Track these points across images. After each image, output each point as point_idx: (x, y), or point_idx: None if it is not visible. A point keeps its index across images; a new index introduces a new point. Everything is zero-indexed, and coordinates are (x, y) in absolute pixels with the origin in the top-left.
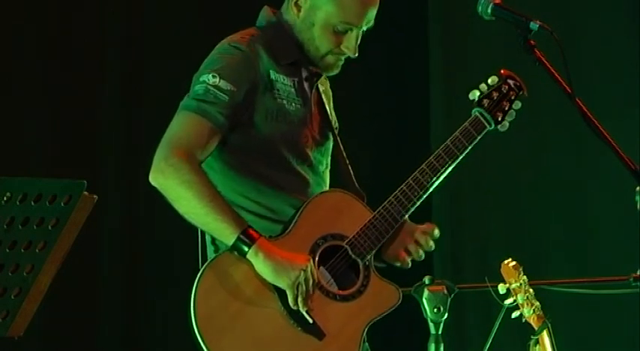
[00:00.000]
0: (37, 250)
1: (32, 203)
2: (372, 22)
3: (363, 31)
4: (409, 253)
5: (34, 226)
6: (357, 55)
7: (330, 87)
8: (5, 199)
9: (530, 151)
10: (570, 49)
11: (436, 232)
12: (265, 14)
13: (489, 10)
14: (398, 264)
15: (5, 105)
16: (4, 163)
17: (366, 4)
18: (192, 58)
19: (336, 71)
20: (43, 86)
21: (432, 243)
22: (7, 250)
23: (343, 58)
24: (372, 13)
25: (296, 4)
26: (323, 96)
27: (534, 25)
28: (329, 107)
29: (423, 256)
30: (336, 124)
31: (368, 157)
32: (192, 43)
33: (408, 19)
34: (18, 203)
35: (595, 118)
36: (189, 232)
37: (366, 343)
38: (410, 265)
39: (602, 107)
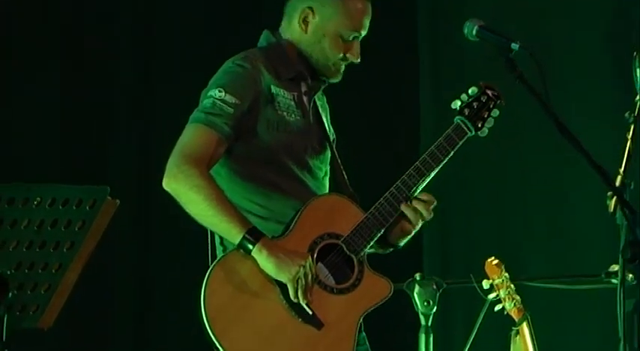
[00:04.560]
0: (64, 250)
1: (60, 207)
2: (367, 29)
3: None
4: (410, 222)
5: (62, 228)
6: (359, 60)
7: (329, 101)
8: (36, 203)
9: (513, 160)
10: (548, 65)
11: (432, 199)
12: (266, 36)
13: (474, 32)
14: (408, 238)
15: (27, 116)
16: (26, 169)
17: (364, 12)
18: (199, 74)
19: (339, 78)
20: (61, 98)
21: (428, 213)
22: (38, 250)
23: (344, 65)
24: (368, 20)
25: (304, 20)
26: (320, 109)
27: (515, 46)
28: (326, 120)
29: (420, 224)
30: (334, 135)
31: (362, 163)
32: (200, 61)
33: (399, 35)
34: (47, 207)
35: (568, 128)
36: (198, 234)
37: (363, 333)
38: (413, 233)
39: (578, 116)
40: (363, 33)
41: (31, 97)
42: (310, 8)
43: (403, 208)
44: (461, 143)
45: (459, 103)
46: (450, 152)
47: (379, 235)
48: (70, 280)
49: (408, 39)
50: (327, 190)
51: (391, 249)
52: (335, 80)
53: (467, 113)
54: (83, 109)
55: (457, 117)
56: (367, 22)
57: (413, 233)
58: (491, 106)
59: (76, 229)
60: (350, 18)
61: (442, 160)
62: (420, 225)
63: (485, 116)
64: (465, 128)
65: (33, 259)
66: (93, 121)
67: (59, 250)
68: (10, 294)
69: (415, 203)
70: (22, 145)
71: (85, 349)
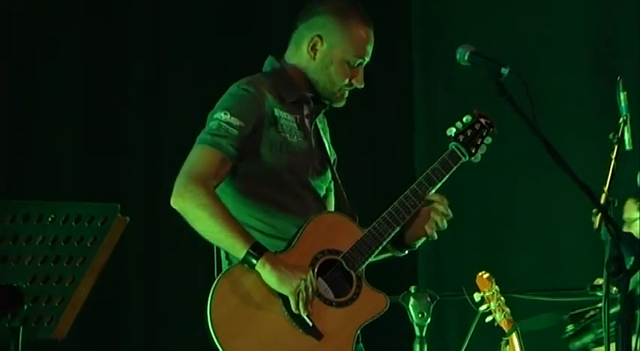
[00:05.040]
0: (77, 265)
1: (73, 224)
2: (370, 56)
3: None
4: (436, 224)
5: (75, 244)
6: (363, 85)
7: (329, 124)
8: (50, 219)
9: (503, 179)
10: (536, 88)
11: (445, 201)
12: (270, 61)
13: (466, 58)
14: (423, 240)
15: (42, 137)
16: (39, 185)
17: (368, 40)
18: (208, 95)
19: (343, 103)
20: (75, 119)
21: (449, 211)
22: (52, 264)
23: (348, 91)
24: (371, 48)
25: (313, 48)
26: (321, 131)
27: (505, 70)
28: (327, 141)
29: (446, 226)
30: (334, 155)
31: (362, 183)
32: (210, 80)
33: (394, 63)
34: (61, 224)
35: (555, 148)
36: (204, 249)
37: (360, 344)
38: (436, 237)
39: (564, 137)
40: (367, 59)
41: (45, 117)
42: (319, 36)
43: (434, 215)
44: (455, 168)
45: (454, 130)
46: (444, 176)
47: (377, 252)
48: (82, 293)
49: (402, 66)
50: (329, 208)
51: (407, 251)
52: (339, 105)
53: (461, 140)
54: (96, 131)
55: (452, 143)
56: (370, 50)
57: (435, 235)
58: (484, 133)
59: (88, 244)
60: (355, 45)
61: (437, 183)
62: (445, 226)
63: (479, 143)
64: (460, 154)
65: (47, 273)
66: (105, 142)
67: (72, 264)
68: (26, 306)
69: (440, 207)
70: (37, 165)
71: None
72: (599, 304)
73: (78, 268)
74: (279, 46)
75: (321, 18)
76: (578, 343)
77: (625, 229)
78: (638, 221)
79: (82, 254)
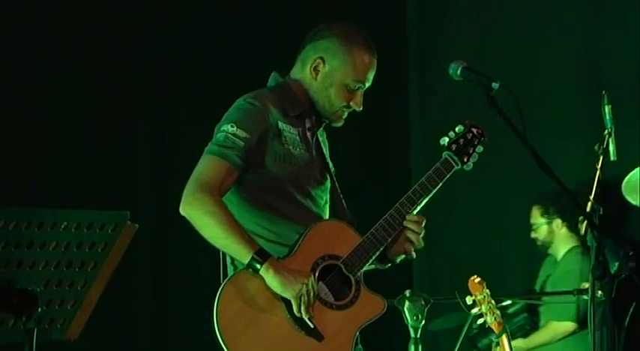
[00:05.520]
0: (88, 269)
1: (85, 230)
2: (370, 82)
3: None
4: (412, 243)
5: (87, 249)
6: (361, 108)
7: (328, 137)
8: (63, 226)
9: (493, 187)
10: (526, 102)
11: (423, 222)
12: (275, 77)
13: (458, 73)
14: (402, 257)
15: (57, 149)
16: (52, 192)
17: (370, 67)
18: (218, 109)
19: (341, 123)
20: (86, 132)
21: (423, 231)
22: (65, 269)
23: (347, 112)
24: (373, 73)
25: (315, 68)
26: (321, 144)
27: (495, 85)
28: (327, 153)
29: (423, 244)
30: (333, 168)
31: (359, 192)
32: (221, 96)
33: (391, 81)
34: (73, 230)
35: (543, 158)
36: (211, 255)
37: (360, 345)
38: (415, 255)
39: (552, 148)
40: (367, 85)
41: (56, 125)
42: (321, 58)
43: (409, 234)
44: (448, 175)
45: (446, 139)
46: (438, 184)
47: (374, 257)
48: (93, 296)
49: (398, 81)
50: (327, 217)
51: (389, 265)
52: (337, 125)
53: (454, 149)
54: (108, 144)
55: (445, 152)
56: (371, 76)
57: (414, 253)
58: (475, 142)
59: (99, 250)
60: (356, 70)
61: (431, 191)
62: (422, 244)
63: (471, 152)
64: (452, 162)
65: (60, 277)
66: (115, 151)
67: (84, 269)
68: (40, 309)
69: (412, 226)
70: (50, 173)
71: None
72: (504, 303)
73: (89, 273)
74: (287, 59)
75: (327, 41)
76: (484, 340)
77: (532, 234)
78: (543, 226)
79: (94, 259)
